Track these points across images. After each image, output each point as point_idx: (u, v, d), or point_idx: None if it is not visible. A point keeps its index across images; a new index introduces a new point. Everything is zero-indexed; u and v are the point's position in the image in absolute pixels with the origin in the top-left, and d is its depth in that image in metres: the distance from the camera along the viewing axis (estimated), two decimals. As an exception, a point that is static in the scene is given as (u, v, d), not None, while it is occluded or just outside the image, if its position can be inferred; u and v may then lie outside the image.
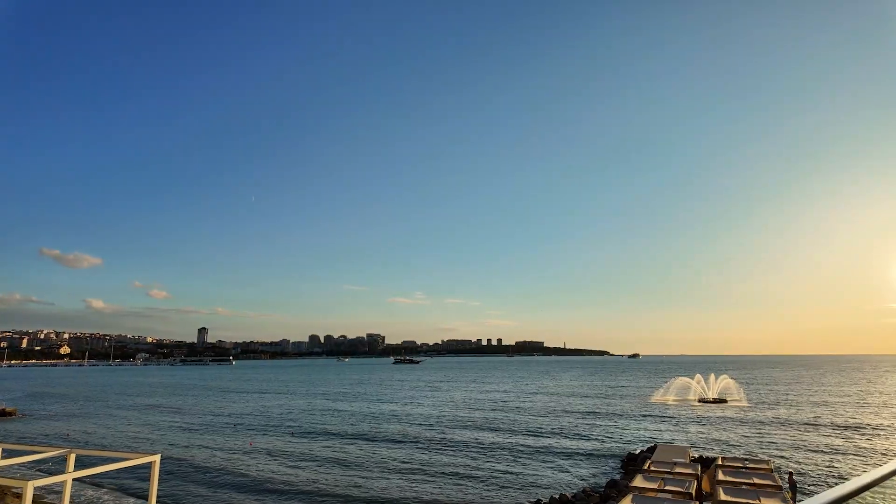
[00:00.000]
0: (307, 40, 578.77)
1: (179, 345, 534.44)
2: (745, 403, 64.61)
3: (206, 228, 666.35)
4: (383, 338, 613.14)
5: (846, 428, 44.77)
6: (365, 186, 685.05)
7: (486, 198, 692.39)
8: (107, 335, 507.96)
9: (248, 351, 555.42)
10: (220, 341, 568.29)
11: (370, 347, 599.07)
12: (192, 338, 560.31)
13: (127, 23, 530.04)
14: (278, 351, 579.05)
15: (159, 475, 15.47)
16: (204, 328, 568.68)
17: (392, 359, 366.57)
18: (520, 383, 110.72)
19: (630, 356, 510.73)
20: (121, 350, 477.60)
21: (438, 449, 36.68)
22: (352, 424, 49.55)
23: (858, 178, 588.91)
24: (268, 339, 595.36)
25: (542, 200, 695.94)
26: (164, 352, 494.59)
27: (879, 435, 41.44)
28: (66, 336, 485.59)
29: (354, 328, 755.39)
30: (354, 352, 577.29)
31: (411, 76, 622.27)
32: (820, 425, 46.30)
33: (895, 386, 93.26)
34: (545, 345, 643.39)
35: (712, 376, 74.48)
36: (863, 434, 41.77)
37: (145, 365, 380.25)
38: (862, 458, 33.20)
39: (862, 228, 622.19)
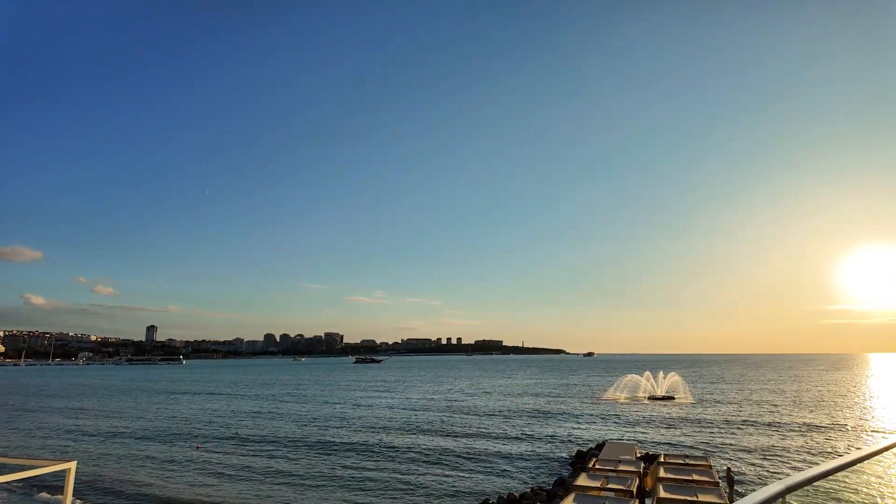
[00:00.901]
0: (257, 38, 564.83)
1: (126, 344, 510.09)
2: (691, 400, 66.69)
3: (157, 223, 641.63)
4: (342, 337, 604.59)
5: (782, 425, 46.67)
6: (325, 184, 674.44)
7: (449, 198, 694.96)
8: (46, 333, 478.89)
9: (200, 350, 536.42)
10: (171, 340, 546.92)
11: (328, 347, 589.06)
12: (140, 336, 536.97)
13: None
14: (231, 350, 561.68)
15: (77, 485, 14.07)
16: (153, 326, 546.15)
17: (353, 358, 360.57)
18: (476, 382, 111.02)
19: (585, 354, 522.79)
20: (61, 349, 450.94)
21: (388, 453, 35.81)
22: (299, 427, 48.04)
23: (797, 188, 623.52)
24: (221, 339, 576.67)
25: (503, 202, 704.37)
26: (109, 351, 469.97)
27: (812, 432, 43.31)
28: (0, 334, 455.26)
29: (312, 327, 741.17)
30: (311, 351, 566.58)
31: (370, 75, 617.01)
32: (758, 422, 48.11)
33: (826, 385, 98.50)
34: (504, 343, 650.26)
35: (661, 374, 76.66)
36: (797, 431, 43.57)
37: (88, 364, 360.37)
38: (795, 455, 34.48)
39: (800, 235, 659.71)
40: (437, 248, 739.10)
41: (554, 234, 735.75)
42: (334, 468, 31.22)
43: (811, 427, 44.68)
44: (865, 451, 2.34)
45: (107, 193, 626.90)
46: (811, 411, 55.32)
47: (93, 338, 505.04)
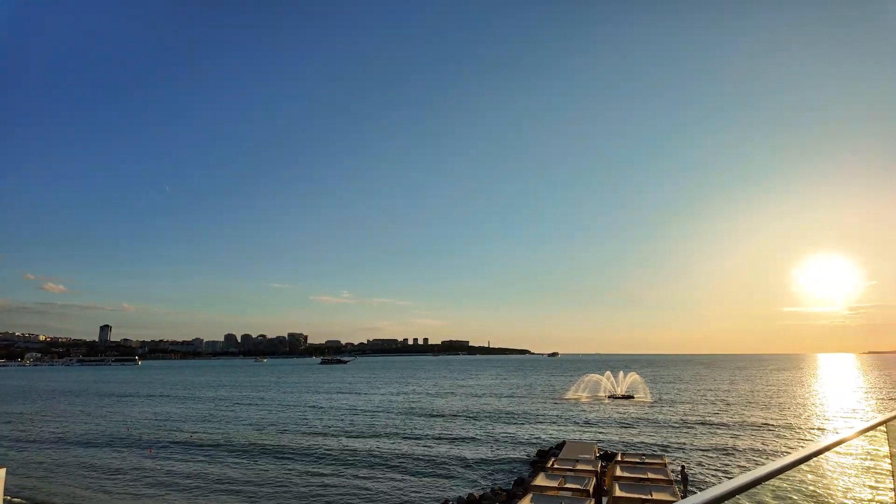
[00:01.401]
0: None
1: (78, 344, 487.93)
2: (649, 399, 68.12)
3: (112, 218, 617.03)
4: (305, 337, 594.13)
5: (733, 424, 48.11)
6: (290, 181, 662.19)
7: (417, 198, 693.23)
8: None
9: (157, 350, 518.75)
10: (126, 340, 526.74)
11: (291, 347, 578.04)
12: (93, 336, 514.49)
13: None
14: (190, 351, 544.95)
15: (5, 496, 13.16)
16: (107, 325, 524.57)
17: (318, 359, 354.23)
18: (440, 383, 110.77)
19: (550, 355, 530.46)
20: (7, 349, 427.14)
21: (347, 458, 35.00)
22: (256, 432, 46.63)
23: (757, 195, 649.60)
24: (179, 339, 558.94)
25: (471, 203, 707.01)
26: (60, 351, 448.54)
27: (761, 431, 44.74)
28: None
29: (275, 327, 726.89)
30: (274, 352, 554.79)
31: (337, 75, 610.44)
32: (711, 422, 49.45)
33: (776, 385, 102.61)
34: (470, 344, 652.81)
35: (621, 373, 78.08)
36: (747, 430, 44.95)
37: (35, 366, 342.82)
38: (745, 454, 35.44)
39: (759, 240, 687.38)
40: (404, 248, 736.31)
41: (521, 236, 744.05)
42: (291, 475, 30.19)
43: (760, 426, 46.20)
44: (810, 449, 2.45)
45: (59, 188, 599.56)
46: (760, 410, 57.30)
47: (41, 338, 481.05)
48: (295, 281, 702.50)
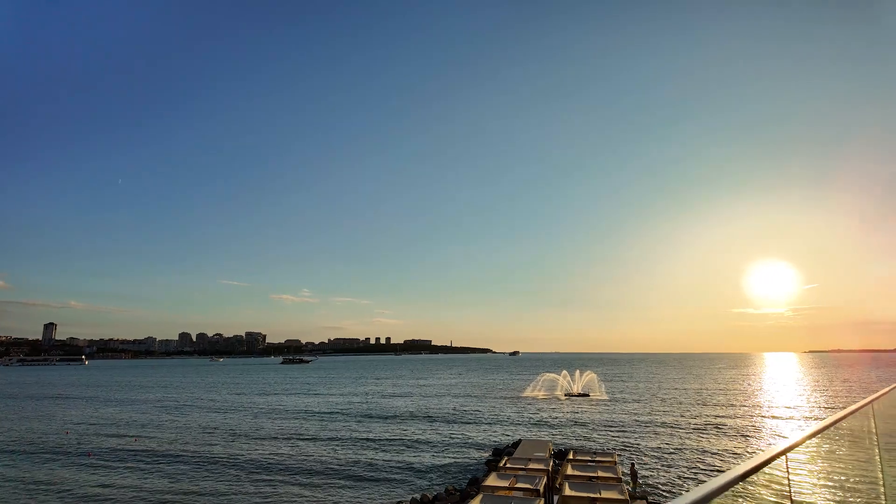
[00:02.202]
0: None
1: (19, 342, 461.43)
2: (605, 397, 69.54)
3: (59, 211, 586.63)
4: (264, 336, 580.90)
5: (682, 422, 49.47)
6: (248, 175, 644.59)
7: (379, 196, 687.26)
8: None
9: (107, 350, 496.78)
10: (72, 339, 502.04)
11: (249, 347, 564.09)
12: (36, 335, 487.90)
13: None
14: (142, 350, 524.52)
15: None
16: (52, 324, 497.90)
17: (279, 359, 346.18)
18: (400, 383, 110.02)
19: (511, 353, 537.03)
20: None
21: (300, 465, 34.02)
22: (205, 435, 44.91)
23: (708, 202, 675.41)
24: (130, 337, 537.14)
25: (433, 203, 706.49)
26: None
27: (713, 429, 46.15)
28: None
29: (232, 326, 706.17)
30: (231, 351, 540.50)
31: (306, 72, 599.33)
32: (664, 419, 50.75)
33: (729, 383, 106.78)
34: (433, 343, 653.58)
35: (577, 372, 79.41)
36: (696, 428, 46.30)
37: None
38: (697, 451, 36.40)
39: (711, 244, 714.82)
40: (368, 247, 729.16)
41: (482, 236, 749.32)
42: (236, 484, 28.76)
43: (710, 424, 47.74)
44: (759, 459, 2.45)
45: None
46: (710, 409, 59.30)
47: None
48: (254, 279, 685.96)
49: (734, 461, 31.77)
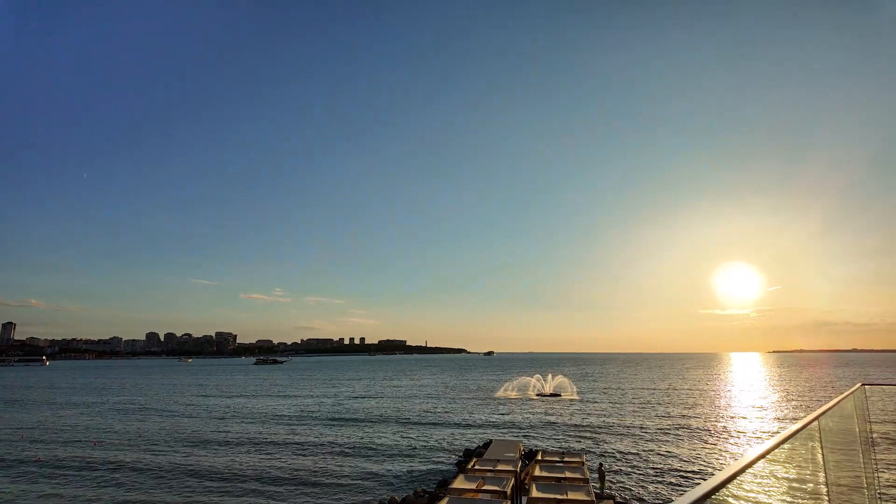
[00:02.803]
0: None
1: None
2: (576, 397, 70.07)
3: (17, 205, 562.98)
4: (235, 337, 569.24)
5: (655, 421, 50.12)
6: (220, 170, 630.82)
7: (353, 194, 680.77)
8: None
9: (69, 350, 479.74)
10: (32, 339, 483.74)
11: (219, 347, 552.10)
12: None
13: None
14: (107, 350, 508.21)
15: None
16: (10, 323, 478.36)
17: (253, 359, 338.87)
18: (373, 384, 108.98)
19: (486, 354, 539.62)
20: None
21: (265, 473, 33.09)
22: (163, 442, 43.39)
23: (679, 207, 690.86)
24: (95, 337, 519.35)
25: (406, 202, 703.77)
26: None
27: (681, 429, 46.82)
28: None
29: (202, 326, 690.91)
30: (201, 352, 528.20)
31: (281, 72, 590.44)
32: (633, 419, 51.31)
33: (697, 382, 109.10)
34: (407, 343, 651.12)
35: (549, 374, 79.84)
36: (667, 428, 46.91)
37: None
38: (664, 449, 36.77)
39: (684, 247, 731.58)
40: (342, 245, 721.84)
41: (457, 236, 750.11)
42: (194, 494, 27.77)
43: (678, 424, 48.46)
44: (749, 457, 2.51)
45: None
46: (679, 408, 60.31)
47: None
48: (225, 278, 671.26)
49: (699, 461, 32.16)
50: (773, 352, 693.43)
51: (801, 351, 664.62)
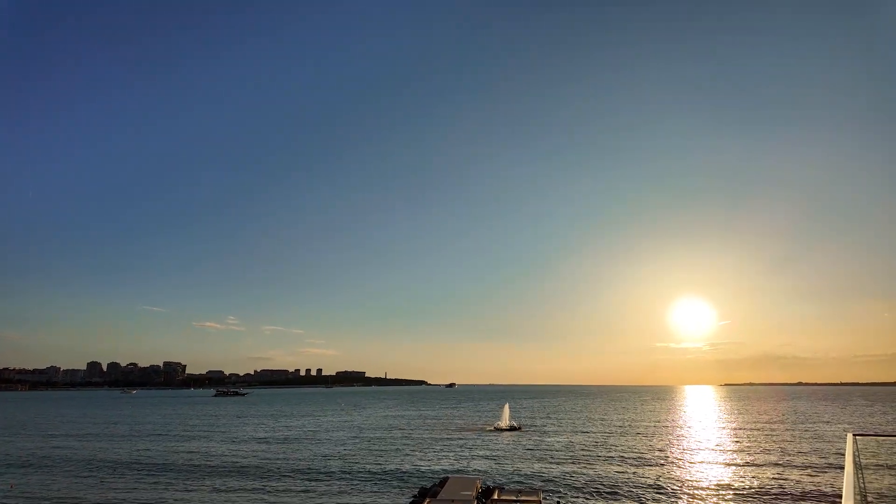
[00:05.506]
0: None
1: None
2: (534, 430, 69.53)
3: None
4: (184, 367, 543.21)
5: (614, 455, 50.11)
6: (172, 189, 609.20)
7: (310, 223, 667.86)
8: None
9: (0, 380, 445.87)
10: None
11: (167, 378, 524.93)
12: None
13: None
14: (43, 381, 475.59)
15: None
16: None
17: (213, 391, 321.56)
18: (325, 419, 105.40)
19: (447, 385, 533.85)
20: None
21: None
22: (84, 488, 40.25)
23: (636, 241, 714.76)
24: (29, 367, 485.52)
25: (366, 229, 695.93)
26: None
27: (640, 462, 46.95)
28: None
29: (149, 355, 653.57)
30: (147, 382, 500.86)
31: (233, 87, 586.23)
32: (592, 453, 51.19)
33: (653, 414, 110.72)
34: (367, 375, 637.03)
35: (506, 406, 79.00)
36: (626, 461, 46.98)
37: None
38: (625, 484, 36.57)
39: (639, 281, 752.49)
40: (300, 273, 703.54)
41: (417, 266, 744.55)
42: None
43: (636, 457, 48.57)
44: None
45: None
46: (636, 441, 60.69)
47: None
48: (175, 304, 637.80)
49: (663, 498, 32.05)
50: (725, 384, 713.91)
51: (751, 384, 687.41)
